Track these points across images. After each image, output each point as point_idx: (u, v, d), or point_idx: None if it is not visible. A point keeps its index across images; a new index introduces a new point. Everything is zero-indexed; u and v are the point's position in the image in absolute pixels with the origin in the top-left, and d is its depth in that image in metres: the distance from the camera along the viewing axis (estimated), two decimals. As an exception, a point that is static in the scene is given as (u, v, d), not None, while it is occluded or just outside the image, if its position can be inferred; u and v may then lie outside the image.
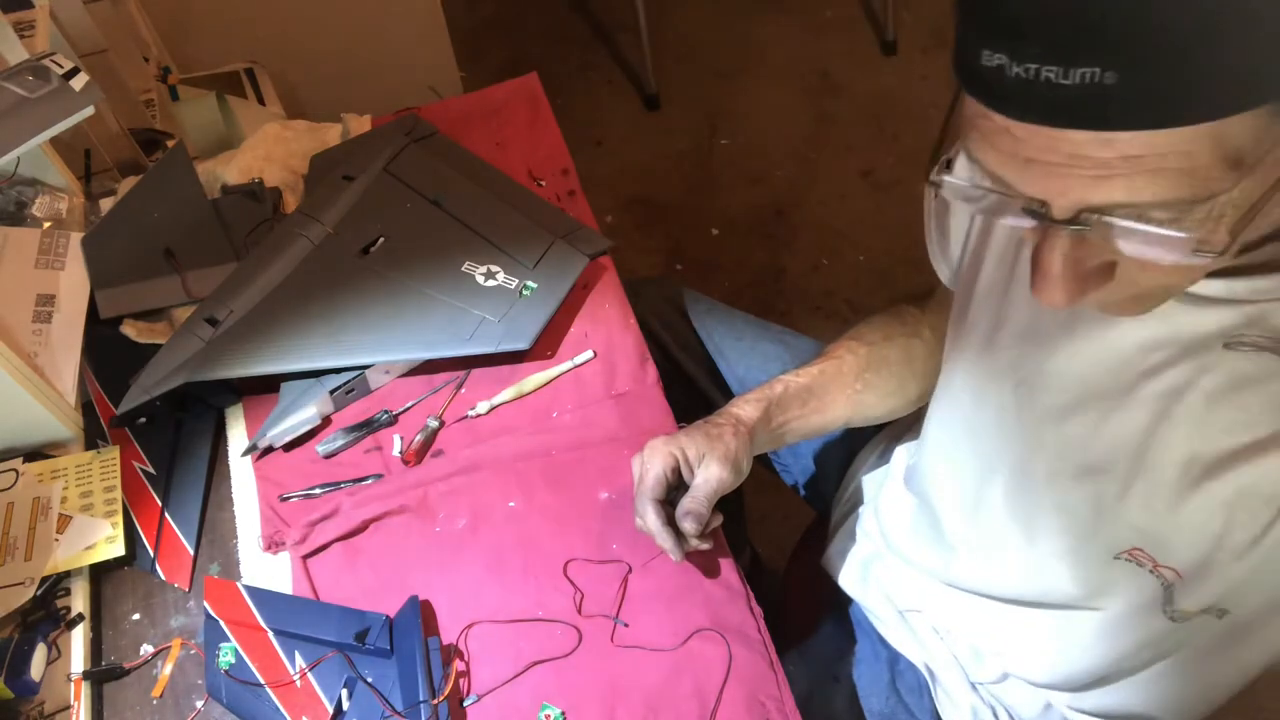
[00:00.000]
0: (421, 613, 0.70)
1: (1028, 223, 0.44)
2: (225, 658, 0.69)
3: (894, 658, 0.86)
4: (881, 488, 0.88)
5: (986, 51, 0.39)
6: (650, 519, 0.70)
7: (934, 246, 0.76)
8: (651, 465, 0.71)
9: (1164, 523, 0.56)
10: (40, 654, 0.71)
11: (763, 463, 1.07)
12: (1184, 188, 0.39)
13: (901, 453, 0.86)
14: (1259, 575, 0.54)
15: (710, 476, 0.71)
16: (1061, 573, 0.65)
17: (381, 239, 0.92)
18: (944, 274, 0.77)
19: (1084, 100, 0.37)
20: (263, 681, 0.68)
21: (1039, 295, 0.46)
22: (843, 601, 0.91)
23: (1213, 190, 0.39)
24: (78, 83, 0.87)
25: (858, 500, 0.92)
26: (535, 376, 0.86)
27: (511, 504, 0.79)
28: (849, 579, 0.89)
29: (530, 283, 0.88)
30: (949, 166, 0.48)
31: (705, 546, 0.71)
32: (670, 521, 0.70)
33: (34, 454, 0.83)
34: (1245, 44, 0.36)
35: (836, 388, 0.81)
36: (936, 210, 0.73)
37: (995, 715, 0.79)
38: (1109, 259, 0.45)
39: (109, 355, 0.89)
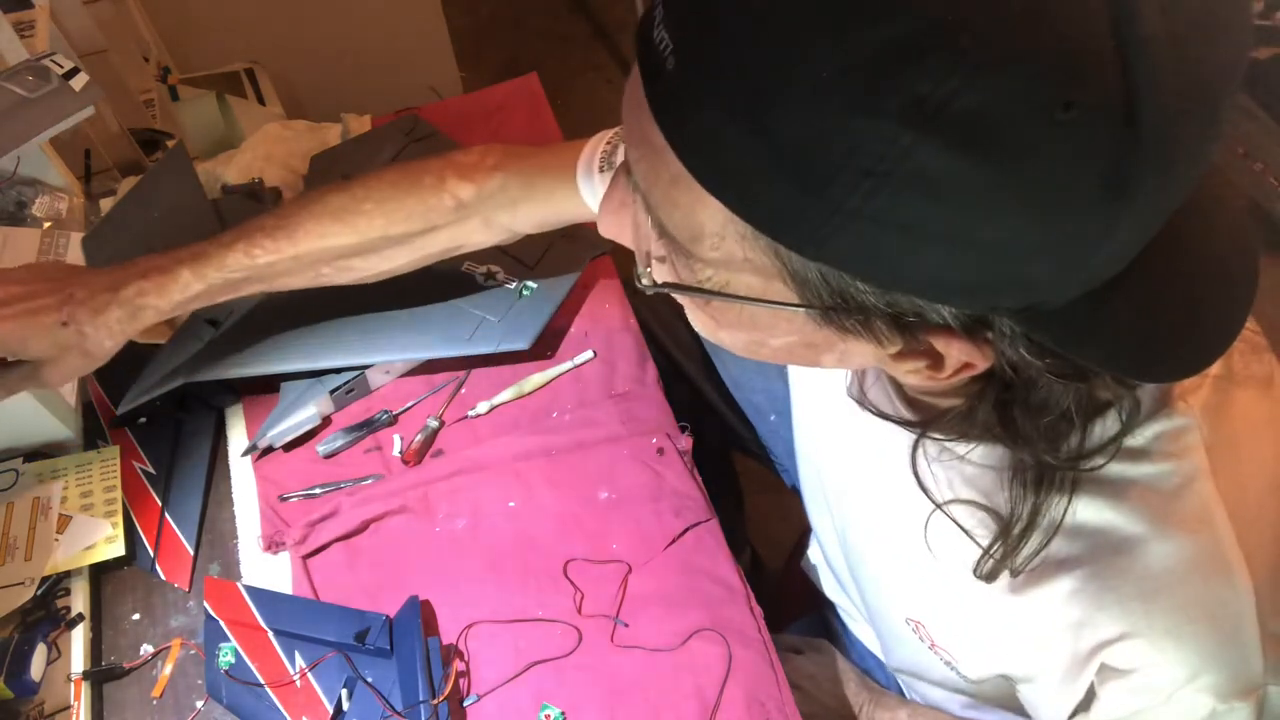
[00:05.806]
0: (421, 613, 0.70)
1: None
2: (225, 658, 0.69)
3: (872, 663, 0.85)
4: None
5: None
6: None
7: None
8: None
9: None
10: (40, 654, 0.70)
11: (763, 463, 1.07)
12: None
13: None
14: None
15: (15, 389, 0.68)
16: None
17: (381, 239, 0.92)
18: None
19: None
20: (263, 681, 0.68)
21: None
22: (826, 604, 0.91)
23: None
24: (78, 83, 0.87)
25: None
26: (535, 376, 0.86)
27: (511, 504, 0.79)
28: (827, 582, 0.89)
29: (530, 283, 0.88)
30: None
31: None
32: None
33: (34, 454, 0.83)
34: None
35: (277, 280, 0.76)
36: None
37: None
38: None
39: (109, 355, 0.89)
